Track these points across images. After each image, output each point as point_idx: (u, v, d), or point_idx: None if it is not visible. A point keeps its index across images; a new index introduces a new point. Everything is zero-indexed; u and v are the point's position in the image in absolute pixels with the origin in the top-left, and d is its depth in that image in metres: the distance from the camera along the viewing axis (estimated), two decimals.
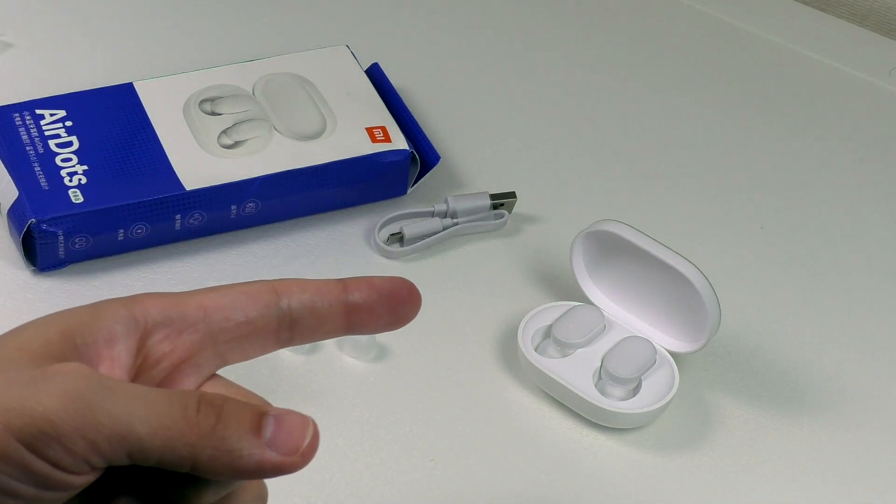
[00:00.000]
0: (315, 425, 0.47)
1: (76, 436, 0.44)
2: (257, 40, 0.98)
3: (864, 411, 0.81)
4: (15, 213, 0.82)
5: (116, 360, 0.48)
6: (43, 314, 0.49)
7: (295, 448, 0.47)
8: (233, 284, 0.50)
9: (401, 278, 0.52)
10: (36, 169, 0.82)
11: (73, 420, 0.44)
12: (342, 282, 0.51)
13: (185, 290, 0.51)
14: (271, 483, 0.75)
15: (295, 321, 0.50)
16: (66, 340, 0.47)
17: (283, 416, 0.47)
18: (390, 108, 0.90)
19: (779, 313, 0.86)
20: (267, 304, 0.50)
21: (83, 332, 0.48)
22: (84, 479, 0.46)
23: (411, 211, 0.88)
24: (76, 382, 0.45)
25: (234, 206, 0.84)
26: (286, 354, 0.80)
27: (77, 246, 0.81)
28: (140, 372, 0.49)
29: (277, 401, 0.78)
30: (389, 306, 0.52)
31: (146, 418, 0.45)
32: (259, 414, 0.47)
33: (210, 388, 0.50)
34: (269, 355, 0.80)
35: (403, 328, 0.82)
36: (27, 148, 0.84)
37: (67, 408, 0.44)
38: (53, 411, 0.44)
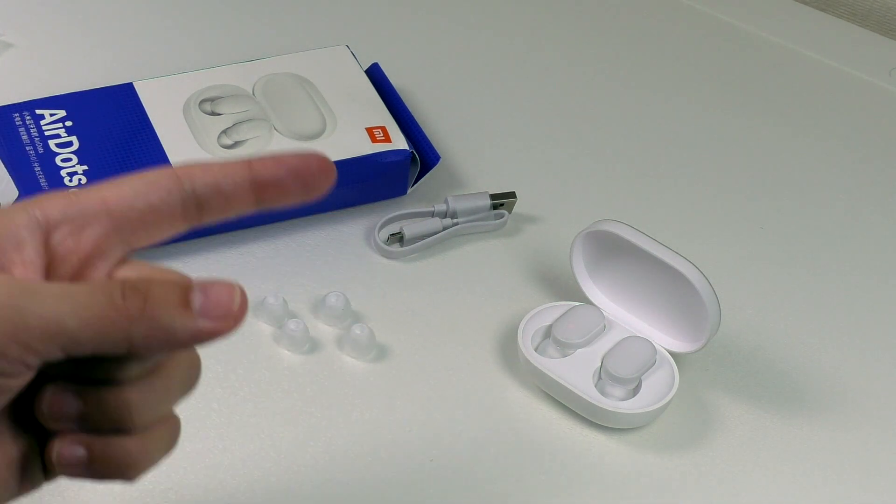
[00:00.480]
0: (241, 288, 0.49)
1: (9, 341, 0.46)
2: (257, 40, 0.98)
3: (864, 411, 0.81)
4: None
5: (29, 264, 0.49)
6: None
7: (226, 312, 0.48)
8: (133, 175, 0.51)
9: (312, 152, 0.53)
10: (36, 169, 0.82)
11: (4, 327, 0.46)
12: (248, 161, 0.51)
13: None
14: (271, 484, 0.75)
15: (201, 202, 0.51)
16: None
17: (209, 285, 0.48)
18: (390, 108, 0.90)
19: (779, 313, 0.86)
20: (169, 189, 0.51)
21: None
22: (21, 380, 0.47)
23: (411, 211, 0.88)
24: (0, 289, 0.46)
25: None
26: (286, 354, 0.80)
27: None
28: (50, 270, 0.50)
29: (277, 401, 0.78)
30: (299, 179, 0.52)
31: (75, 312, 0.46)
32: (184, 288, 0.48)
33: (125, 272, 0.51)
34: (269, 355, 0.80)
35: (404, 328, 0.83)
36: (27, 148, 0.84)
37: None
38: None
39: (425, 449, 0.77)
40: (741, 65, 1.03)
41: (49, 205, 0.50)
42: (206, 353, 0.80)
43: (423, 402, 0.79)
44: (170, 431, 0.51)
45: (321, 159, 0.53)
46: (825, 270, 0.89)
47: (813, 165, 0.96)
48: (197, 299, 0.48)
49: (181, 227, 0.51)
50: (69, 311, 0.46)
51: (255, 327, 0.81)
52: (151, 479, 0.74)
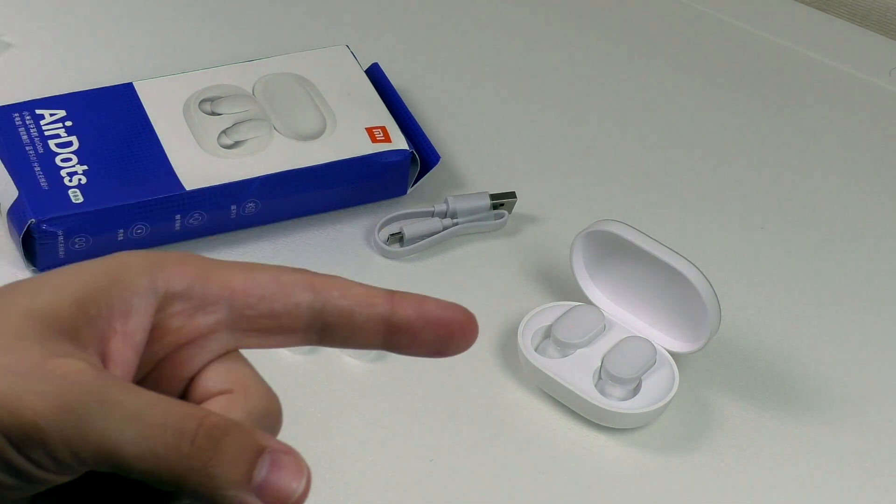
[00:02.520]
0: (309, 473, 0.45)
1: (62, 445, 0.43)
2: (257, 40, 0.98)
3: (864, 411, 0.81)
4: (15, 213, 0.82)
5: (129, 337, 0.46)
6: None
7: (283, 499, 0.44)
8: (270, 268, 0.47)
9: (458, 306, 0.48)
10: (36, 169, 0.82)
11: (62, 430, 0.43)
12: (390, 295, 0.47)
13: None
14: None
15: (327, 326, 0.47)
16: (79, 311, 0.45)
17: (280, 458, 0.45)
18: (390, 108, 0.90)
19: (779, 313, 0.86)
20: (298, 301, 0.47)
21: (99, 302, 0.46)
22: (66, 478, 0.45)
23: (411, 211, 0.88)
24: (72, 390, 0.43)
25: (234, 206, 0.84)
26: (286, 354, 0.80)
27: (77, 246, 0.81)
28: (149, 343, 0.47)
29: None
30: (437, 335, 0.48)
31: (136, 441, 0.43)
32: (257, 451, 0.44)
33: (218, 375, 0.47)
34: (270, 355, 0.80)
35: None
36: (27, 148, 0.84)
37: (58, 417, 0.43)
38: (42, 417, 0.43)
39: (425, 449, 0.77)
40: (741, 65, 1.03)
41: (175, 275, 0.46)
42: None
43: (423, 402, 0.79)
44: None
45: (466, 318, 0.48)
46: (825, 270, 0.89)
47: (813, 165, 0.96)
48: (263, 469, 0.44)
49: (296, 343, 0.48)
50: (131, 439, 0.43)
51: None
52: None
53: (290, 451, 0.45)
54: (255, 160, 0.85)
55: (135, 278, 0.46)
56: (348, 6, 1.03)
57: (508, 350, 0.82)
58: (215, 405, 0.46)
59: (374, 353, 0.81)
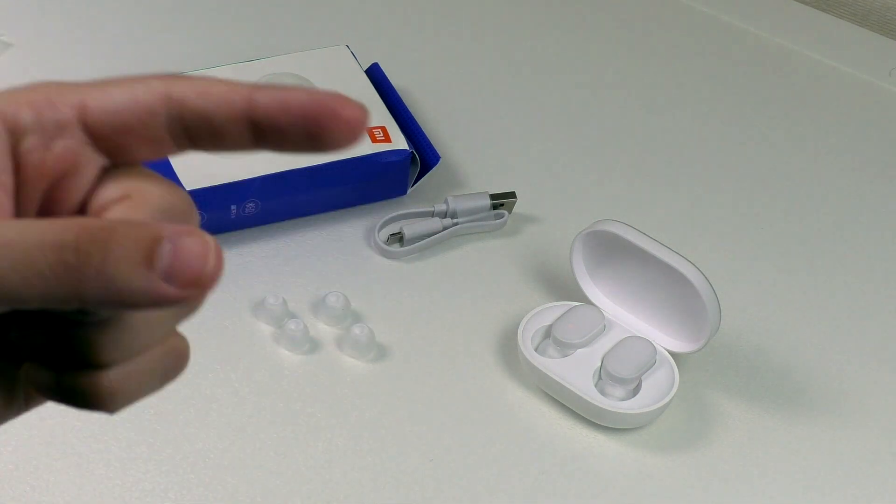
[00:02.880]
0: (217, 248, 0.41)
1: None
2: (257, 40, 0.98)
3: (864, 411, 0.81)
4: None
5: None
6: None
7: (193, 279, 0.41)
8: (124, 80, 0.44)
9: (331, 94, 0.43)
10: None
11: None
12: (251, 91, 0.43)
13: None
14: (271, 484, 0.75)
15: (190, 131, 0.44)
16: None
17: (180, 238, 0.41)
18: (390, 108, 0.90)
19: (779, 313, 0.86)
20: (153, 111, 0.44)
21: None
22: None
23: (411, 211, 0.88)
24: None
25: (234, 206, 0.84)
26: (286, 354, 0.80)
27: None
28: (21, 188, 0.44)
29: (277, 401, 0.78)
30: (305, 127, 0.43)
31: (15, 269, 0.41)
32: (152, 240, 0.41)
33: (109, 184, 0.44)
34: (269, 355, 0.80)
35: (404, 328, 0.83)
36: None
37: None
38: None
39: (425, 449, 0.77)
40: (741, 65, 1.03)
41: (22, 107, 0.44)
42: (206, 353, 0.80)
43: (423, 402, 0.79)
44: (162, 360, 0.45)
45: (337, 103, 0.43)
46: (825, 270, 0.89)
47: (813, 165, 0.96)
48: (164, 257, 0.41)
49: (170, 150, 0.45)
50: (10, 267, 0.41)
51: (255, 327, 0.81)
52: (152, 479, 0.74)
53: (191, 232, 0.41)
54: (255, 160, 0.85)
55: None
56: (348, 6, 1.03)
57: (508, 350, 0.82)
58: (112, 214, 0.44)
59: (373, 352, 0.81)
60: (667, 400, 0.78)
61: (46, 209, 0.45)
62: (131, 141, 0.45)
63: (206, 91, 0.44)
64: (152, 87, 0.44)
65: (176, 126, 0.44)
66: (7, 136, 0.44)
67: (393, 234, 0.87)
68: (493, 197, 0.88)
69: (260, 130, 0.43)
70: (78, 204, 0.45)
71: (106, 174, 0.45)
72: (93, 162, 0.45)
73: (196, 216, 0.46)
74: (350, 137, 0.43)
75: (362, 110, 0.43)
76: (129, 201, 0.44)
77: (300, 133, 0.43)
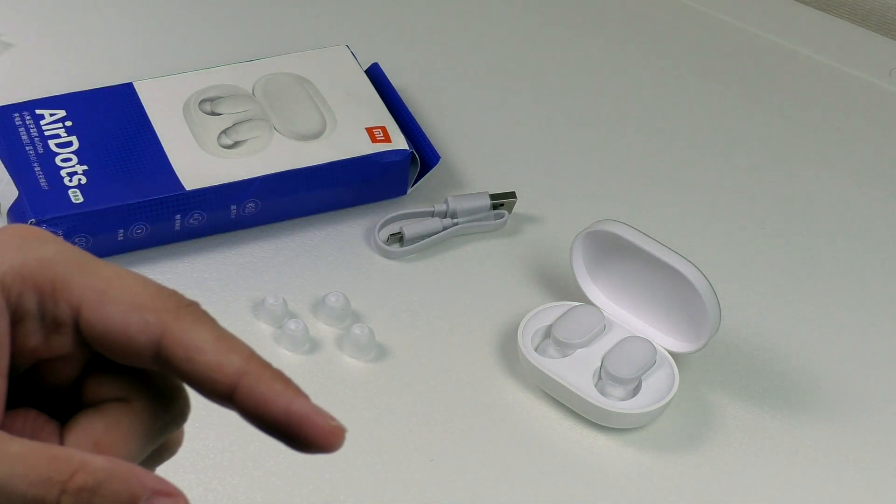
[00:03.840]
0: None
1: None
2: (257, 40, 0.98)
3: (864, 411, 0.81)
4: (15, 213, 0.82)
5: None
6: None
7: None
8: (127, 296, 0.45)
9: (308, 411, 0.44)
10: (36, 169, 0.82)
11: None
12: (237, 377, 0.44)
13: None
14: (271, 484, 0.75)
15: (172, 372, 0.45)
16: None
17: (156, 499, 0.43)
18: (390, 108, 0.90)
19: (779, 313, 0.86)
20: (139, 350, 0.45)
21: None
22: None
23: (411, 211, 0.88)
24: None
25: (234, 206, 0.84)
26: (286, 354, 0.80)
27: (77, 246, 0.81)
28: (14, 356, 0.45)
29: None
30: (281, 433, 0.44)
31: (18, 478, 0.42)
32: (130, 497, 0.42)
33: (108, 374, 0.46)
34: (269, 355, 0.80)
35: (404, 328, 0.83)
36: (27, 148, 0.84)
37: None
38: None
39: (425, 449, 0.77)
40: (741, 65, 1.03)
41: (26, 293, 0.45)
42: None
43: (423, 402, 0.79)
44: None
45: (318, 425, 0.44)
46: (825, 270, 0.89)
47: (813, 165, 0.96)
48: None
49: (151, 367, 0.46)
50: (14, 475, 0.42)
51: (255, 327, 0.81)
52: None
53: (170, 493, 0.43)
54: (255, 160, 0.85)
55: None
56: (348, 6, 1.03)
57: (508, 350, 0.82)
58: (105, 417, 0.45)
59: (374, 352, 0.81)
60: (667, 400, 0.78)
61: (36, 371, 0.46)
62: (117, 355, 0.45)
63: (195, 359, 0.44)
64: (148, 329, 0.44)
65: (159, 365, 0.45)
66: (8, 315, 0.44)
67: (393, 234, 0.87)
68: (493, 197, 0.88)
69: (235, 408, 0.44)
70: (70, 379, 0.46)
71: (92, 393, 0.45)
72: (86, 355, 0.45)
73: (180, 421, 0.47)
74: (325, 450, 0.44)
75: (338, 430, 0.44)
76: (124, 407, 0.45)
77: (275, 433, 0.44)
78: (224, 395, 0.44)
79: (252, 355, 0.45)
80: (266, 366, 0.44)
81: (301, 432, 0.44)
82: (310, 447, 0.44)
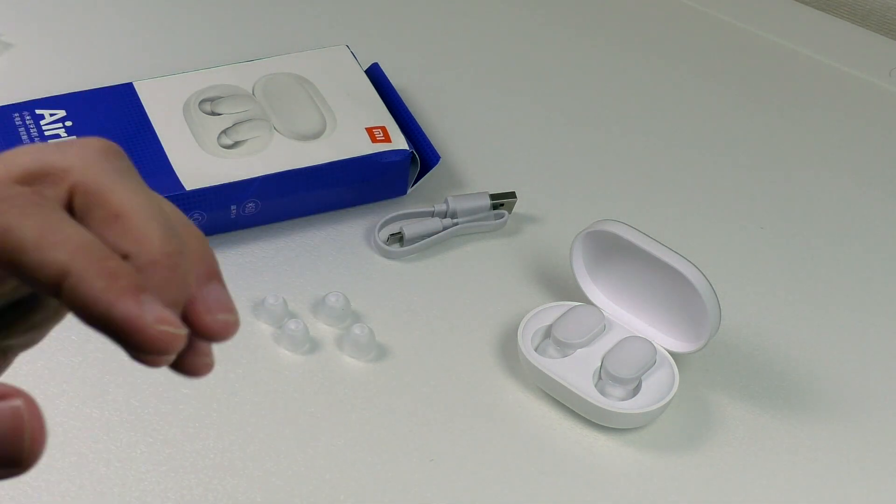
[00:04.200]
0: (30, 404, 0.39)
1: None
2: (257, 40, 0.98)
3: (864, 411, 0.81)
4: None
5: None
6: None
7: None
8: None
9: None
10: None
11: None
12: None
13: None
14: (271, 484, 0.75)
15: None
16: None
17: None
18: (390, 108, 0.90)
19: (779, 313, 0.86)
20: None
21: None
22: None
23: (411, 211, 0.88)
24: None
25: (234, 206, 0.84)
26: (286, 354, 0.80)
27: None
28: None
29: (277, 401, 0.78)
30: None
31: None
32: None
33: None
34: (269, 355, 0.80)
35: (404, 328, 0.83)
36: None
37: None
38: None
39: (425, 449, 0.77)
40: (741, 65, 1.03)
41: None
42: None
43: (423, 402, 0.79)
44: None
45: (146, 334, 0.40)
46: (825, 270, 0.89)
47: (813, 165, 0.96)
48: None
49: None
50: None
51: (255, 327, 0.81)
52: (152, 480, 0.74)
53: (7, 394, 0.39)
54: (255, 160, 0.85)
55: None
56: (348, 6, 1.03)
57: (508, 350, 0.82)
58: None
59: (374, 352, 0.81)
60: (667, 400, 0.78)
61: None
62: None
63: (16, 259, 0.40)
64: None
65: None
66: None
67: (393, 234, 0.87)
68: (493, 197, 0.88)
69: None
70: None
71: None
72: None
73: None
74: (155, 354, 0.40)
75: (166, 334, 0.40)
76: None
77: (108, 337, 0.40)
78: (53, 295, 0.40)
79: (79, 248, 0.40)
80: (93, 260, 0.40)
81: (125, 336, 0.39)
82: (138, 352, 0.40)
